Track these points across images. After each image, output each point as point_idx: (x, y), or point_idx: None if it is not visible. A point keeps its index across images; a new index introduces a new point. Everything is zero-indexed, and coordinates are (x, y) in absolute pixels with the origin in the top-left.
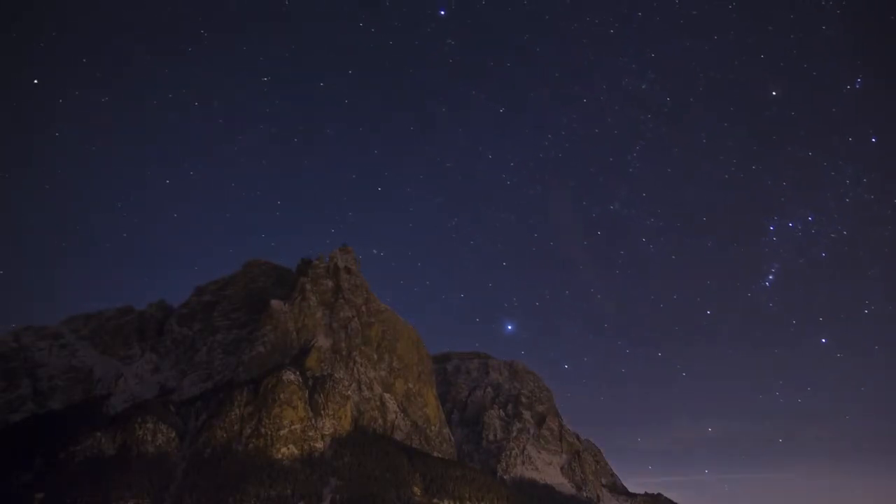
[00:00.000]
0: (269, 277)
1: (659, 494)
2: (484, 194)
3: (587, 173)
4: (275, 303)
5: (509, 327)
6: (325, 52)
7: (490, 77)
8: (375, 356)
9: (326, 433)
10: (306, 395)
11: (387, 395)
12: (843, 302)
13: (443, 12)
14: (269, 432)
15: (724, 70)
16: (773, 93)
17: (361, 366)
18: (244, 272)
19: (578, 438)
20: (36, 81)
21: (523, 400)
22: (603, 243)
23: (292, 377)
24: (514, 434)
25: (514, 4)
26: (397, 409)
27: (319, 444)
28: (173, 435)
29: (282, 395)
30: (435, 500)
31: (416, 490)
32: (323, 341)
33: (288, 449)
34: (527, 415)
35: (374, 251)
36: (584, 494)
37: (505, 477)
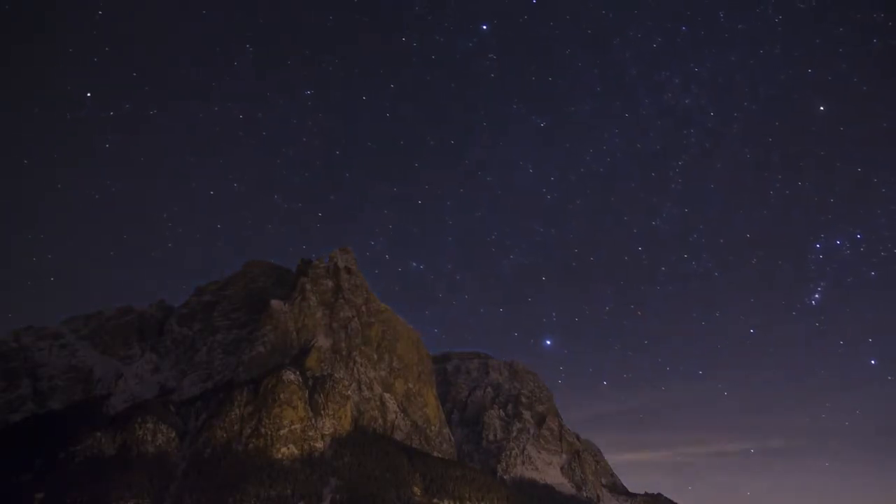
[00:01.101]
0: (269, 277)
1: (659, 494)
2: (524, 208)
3: (628, 188)
4: (275, 303)
5: (548, 342)
6: (368, 66)
7: (531, 91)
8: (375, 356)
9: (326, 433)
10: (306, 395)
11: (387, 395)
12: (893, 322)
13: (485, 27)
14: (269, 432)
15: (770, 85)
16: (821, 108)
17: (361, 366)
18: (244, 272)
19: (578, 438)
20: (89, 94)
21: (523, 400)
22: (644, 259)
23: (292, 377)
24: (514, 434)
25: (555, 18)
26: (397, 409)
27: (319, 444)
28: (173, 435)
29: (282, 395)
30: (435, 500)
31: (416, 490)
32: (323, 341)
33: (288, 449)
34: (527, 415)
35: (414, 264)
36: (584, 494)
37: (505, 477)
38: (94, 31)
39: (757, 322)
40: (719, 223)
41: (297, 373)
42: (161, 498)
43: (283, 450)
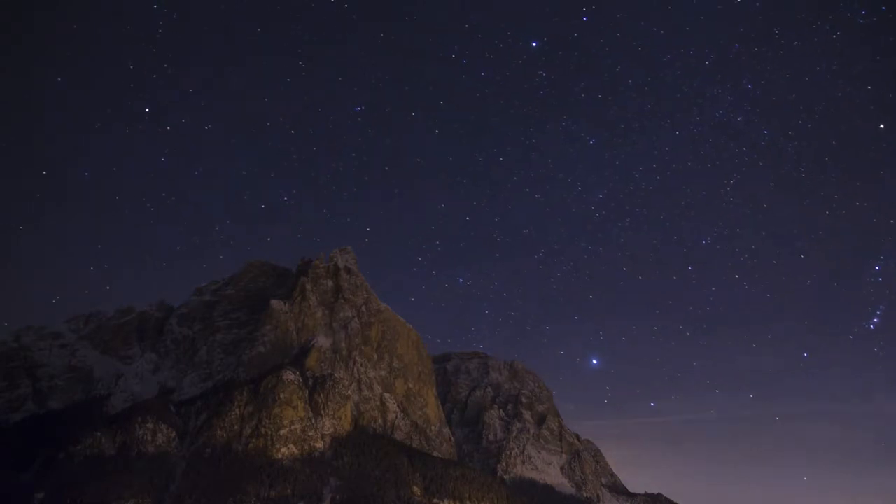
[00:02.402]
0: (269, 277)
1: (659, 494)
2: (572, 226)
3: (679, 207)
4: (275, 303)
5: (594, 362)
6: (417, 83)
7: (581, 108)
8: (375, 356)
9: (326, 433)
10: (306, 395)
11: (387, 395)
12: None
13: (535, 44)
14: (269, 432)
15: (827, 102)
16: (881, 125)
17: (361, 366)
18: (244, 272)
19: (578, 438)
20: (147, 110)
21: (523, 400)
22: (694, 279)
23: (292, 377)
24: (514, 434)
25: (606, 35)
26: (397, 409)
27: (319, 444)
28: (173, 435)
29: (282, 395)
30: (435, 500)
31: (416, 490)
32: (323, 341)
33: (288, 449)
34: (527, 415)
35: (461, 280)
36: (584, 494)
37: (505, 477)
38: (154, 49)
39: (811, 345)
40: (772, 243)
41: (297, 373)
42: (161, 498)
43: (283, 450)
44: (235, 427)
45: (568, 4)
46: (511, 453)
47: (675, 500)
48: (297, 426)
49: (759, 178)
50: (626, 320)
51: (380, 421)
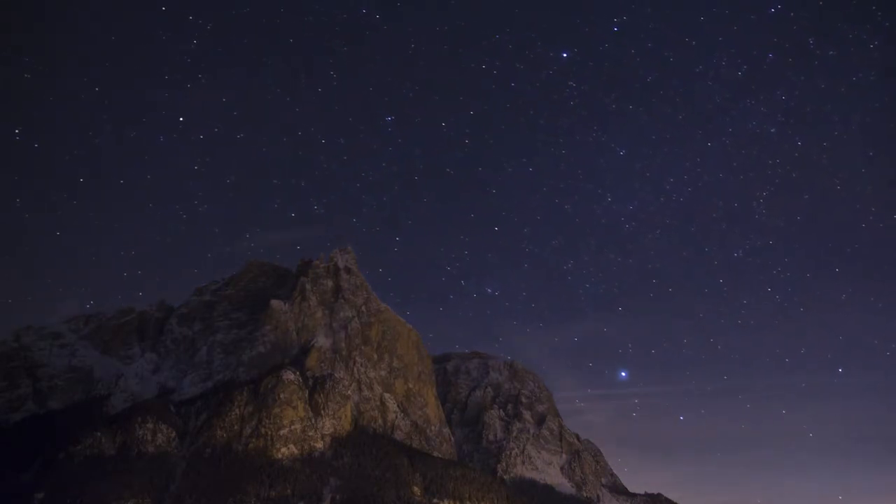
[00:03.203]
0: (269, 277)
1: (659, 494)
2: (601, 237)
3: (710, 219)
4: (275, 303)
5: (623, 374)
6: (448, 93)
7: (612, 119)
8: (375, 356)
9: (326, 433)
10: (306, 395)
11: (387, 395)
12: None
13: (565, 54)
14: (269, 432)
15: (864, 112)
16: None
17: (361, 366)
18: (244, 272)
19: (578, 438)
20: (181, 119)
21: (523, 400)
22: (725, 292)
23: (292, 377)
24: (514, 434)
25: (637, 46)
26: (397, 409)
27: (319, 444)
28: (173, 435)
29: (282, 395)
30: (435, 500)
31: (416, 490)
32: (323, 341)
33: (288, 449)
34: (527, 415)
35: (489, 290)
36: (584, 494)
37: (505, 477)
38: (188, 59)
39: (845, 361)
40: (806, 256)
41: (297, 373)
42: (161, 498)
43: (283, 450)
44: (235, 427)
45: (599, 15)
46: (511, 453)
47: (674, 501)
48: (297, 426)
49: (793, 190)
50: (656, 333)
51: (380, 421)
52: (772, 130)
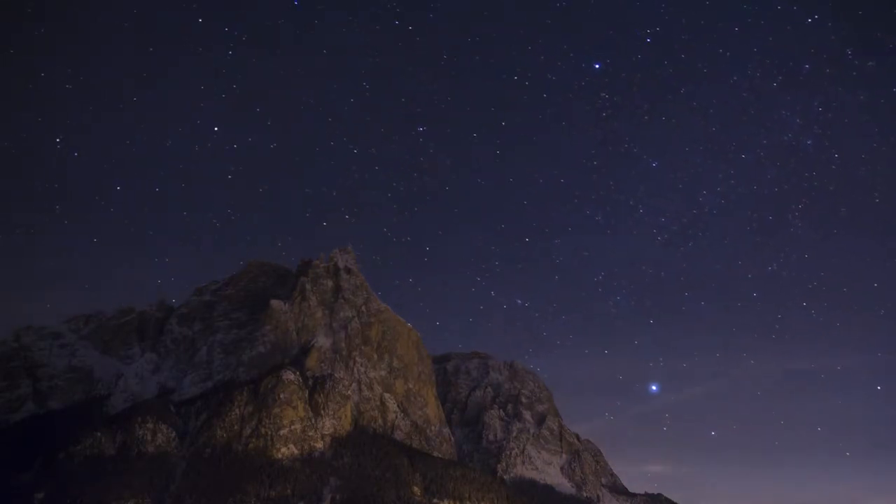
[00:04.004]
0: (270, 277)
1: (659, 494)
2: (632, 249)
3: (743, 232)
4: (275, 303)
5: (654, 388)
6: (479, 104)
7: (644, 131)
8: (375, 356)
9: (326, 433)
10: (306, 395)
11: (387, 395)
12: None
13: (597, 66)
14: (269, 432)
15: None
16: None
17: (361, 366)
18: (245, 272)
19: (578, 438)
20: (216, 129)
21: (523, 400)
22: (759, 306)
23: (292, 377)
24: (514, 434)
25: (670, 57)
26: (397, 409)
27: (319, 444)
28: (173, 435)
29: (282, 395)
30: (435, 500)
31: (416, 490)
32: (323, 341)
33: (288, 449)
34: (527, 415)
35: (519, 301)
36: (584, 494)
37: (505, 477)
38: (224, 70)
39: (883, 379)
40: (843, 271)
41: (297, 373)
42: (161, 498)
43: (283, 450)
44: (235, 427)
45: (631, 26)
46: (511, 453)
47: (675, 501)
48: (297, 426)
49: (830, 203)
50: (688, 347)
51: (380, 421)
52: (808, 142)
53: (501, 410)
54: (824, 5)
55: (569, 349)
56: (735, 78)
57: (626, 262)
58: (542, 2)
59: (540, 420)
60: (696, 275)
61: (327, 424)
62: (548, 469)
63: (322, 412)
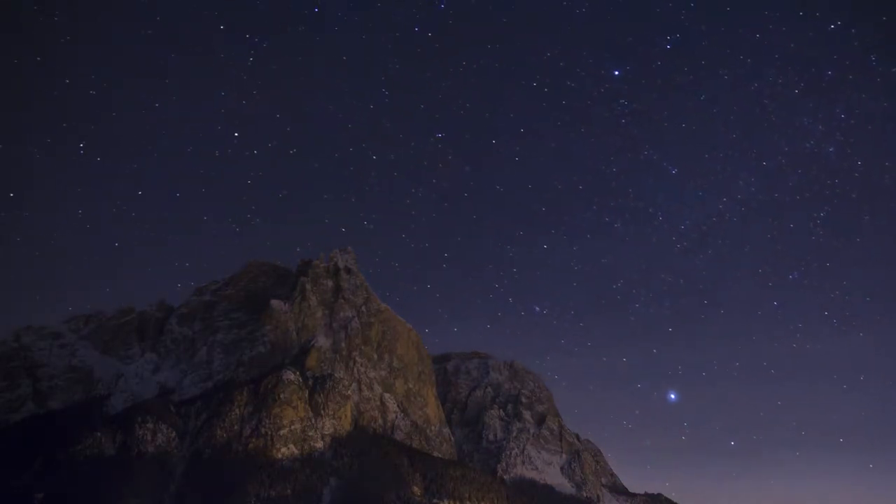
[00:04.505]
0: (270, 277)
1: (659, 494)
2: (652, 256)
3: (764, 240)
4: (275, 303)
5: (672, 396)
6: (498, 110)
7: (664, 137)
8: (375, 356)
9: (326, 433)
10: (306, 395)
11: (387, 395)
12: None
13: (617, 72)
14: (269, 432)
15: None
16: None
17: (361, 366)
18: (245, 272)
19: (578, 438)
20: (237, 134)
21: (523, 400)
22: (779, 314)
23: (292, 377)
24: (514, 434)
25: (690, 64)
26: (397, 409)
27: (319, 444)
28: (173, 435)
29: (282, 395)
30: (435, 500)
31: (416, 490)
32: (323, 341)
33: (288, 449)
34: (527, 415)
35: (537, 308)
36: (584, 494)
37: (505, 477)
38: (244, 76)
39: None
40: (866, 280)
41: (297, 373)
42: (161, 498)
43: (283, 450)
44: (235, 427)
45: (652, 32)
46: (511, 453)
47: (675, 501)
48: (297, 426)
49: (852, 210)
50: (707, 355)
51: (380, 421)
52: (830, 150)
53: (501, 410)
54: (847, 11)
55: (587, 356)
56: (756, 84)
57: (644, 269)
58: (561, 9)
59: (540, 420)
60: (715, 283)
61: (327, 424)
62: (548, 469)
63: (322, 412)
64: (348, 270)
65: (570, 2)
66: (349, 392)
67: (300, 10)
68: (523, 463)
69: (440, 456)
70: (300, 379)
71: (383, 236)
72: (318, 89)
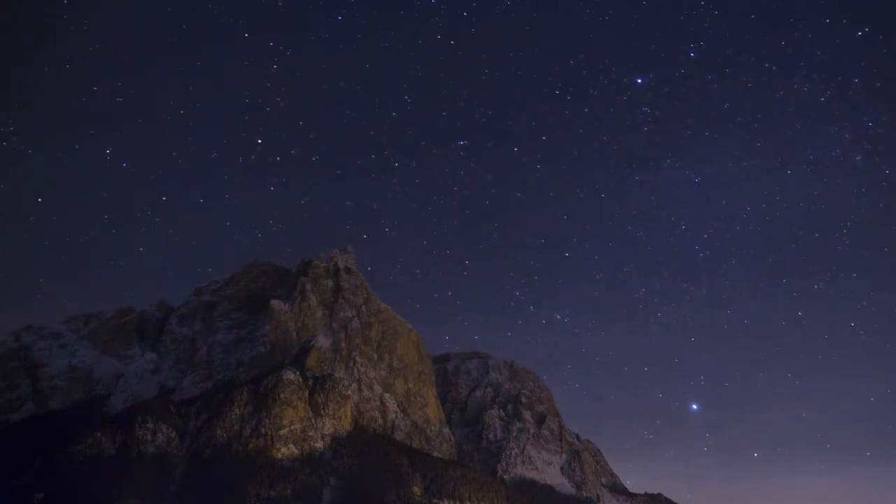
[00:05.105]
0: (269, 277)
1: (659, 494)
2: (674, 265)
3: (789, 249)
4: (275, 303)
5: (694, 407)
6: (520, 118)
7: (687, 145)
8: (375, 356)
9: (326, 433)
10: (306, 395)
11: (387, 395)
12: None
13: (640, 80)
14: (269, 432)
15: None
16: None
17: (361, 366)
18: (244, 272)
19: (578, 438)
20: (260, 141)
21: (523, 400)
22: (805, 325)
23: (292, 377)
24: (514, 434)
25: (714, 72)
26: (397, 409)
27: (319, 444)
28: (173, 435)
29: (282, 395)
30: (435, 500)
31: (416, 490)
32: (323, 341)
33: (288, 449)
34: (527, 415)
35: (558, 316)
36: (584, 494)
37: (505, 477)
38: (268, 83)
39: None
40: (893, 290)
41: (297, 373)
42: (161, 498)
43: (283, 450)
44: (235, 427)
45: (675, 40)
46: (511, 453)
47: (674, 501)
48: (297, 426)
49: (879, 220)
50: (730, 365)
51: (380, 421)
52: (857, 158)
53: (501, 410)
54: (875, 18)
55: (608, 366)
56: (781, 93)
57: (667, 278)
58: (584, 16)
59: (540, 420)
60: (739, 292)
61: (327, 424)
62: (548, 469)
63: (322, 412)
64: (348, 270)
65: (593, 10)
66: (349, 392)
67: (324, 18)
68: (523, 463)
69: (440, 456)
70: (300, 379)
71: (405, 243)
72: (341, 96)
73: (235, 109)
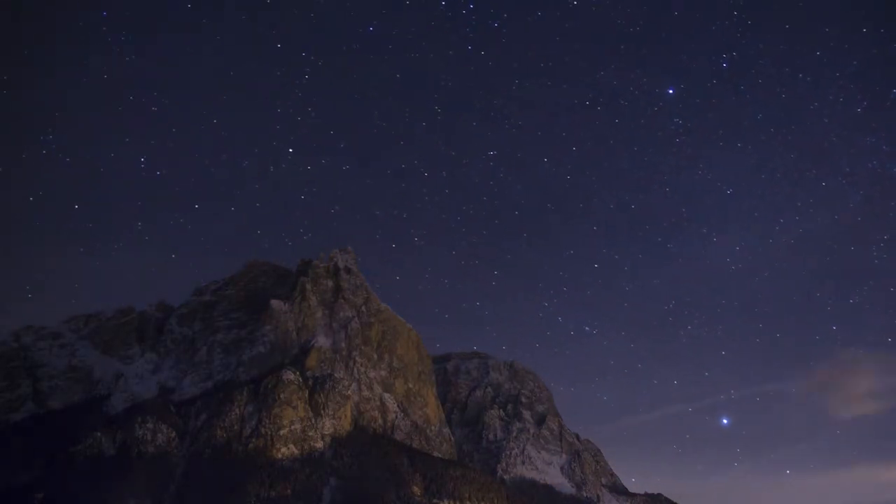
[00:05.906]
0: (269, 277)
1: (659, 494)
2: (706, 278)
3: (823, 262)
4: (275, 303)
5: (724, 421)
6: (550, 130)
7: (719, 157)
8: (375, 356)
9: (326, 433)
10: (306, 395)
11: (387, 395)
12: None
13: (671, 91)
14: (269, 432)
15: None
16: None
17: (361, 366)
18: (244, 272)
19: (578, 438)
20: (291, 150)
21: (523, 400)
22: (839, 340)
23: (292, 377)
24: (514, 434)
25: (747, 83)
26: (397, 409)
27: (319, 444)
28: (173, 435)
29: (282, 395)
30: (435, 500)
31: (416, 490)
32: (323, 341)
33: (288, 449)
34: (527, 415)
35: (587, 328)
36: (584, 494)
37: (505, 477)
38: (300, 93)
39: None
40: None
41: (297, 373)
42: (161, 498)
43: (283, 450)
44: (235, 427)
45: (706, 51)
46: (511, 453)
47: (674, 501)
48: (297, 426)
49: None
50: (761, 380)
51: (380, 421)
52: (894, 170)
53: (501, 410)
54: None
55: (637, 378)
56: (816, 104)
57: (697, 290)
58: (614, 27)
59: (540, 420)
60: (771, 305)
61: (327, 424)
62: (548, 469)
63: (322, 412)
64: (348, 270)
65: (624, 20)
66: (349, 392)
67: (355, 29)
68: (523, 463)
69: (440, 456)
70: (300, 379)
71: (433, 253)
72: (372, 107)
73: (267, 119)
